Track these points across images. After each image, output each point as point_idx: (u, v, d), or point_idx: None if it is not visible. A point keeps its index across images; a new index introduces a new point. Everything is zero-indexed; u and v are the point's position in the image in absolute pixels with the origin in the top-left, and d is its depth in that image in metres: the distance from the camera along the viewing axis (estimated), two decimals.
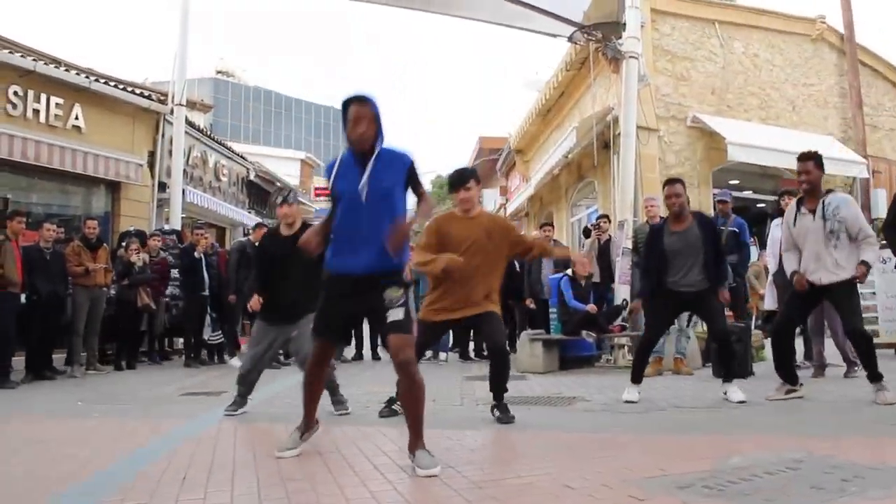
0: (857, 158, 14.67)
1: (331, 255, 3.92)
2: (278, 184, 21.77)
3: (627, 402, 5.98)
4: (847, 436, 4.33)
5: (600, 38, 11.18)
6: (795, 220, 5.89)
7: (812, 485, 3.11)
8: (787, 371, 6.04)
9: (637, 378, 6.18)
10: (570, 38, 11.75)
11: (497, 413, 5.25)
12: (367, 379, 8.48)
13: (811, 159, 5.77)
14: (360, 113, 3.79)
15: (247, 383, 5.93)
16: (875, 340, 9.19)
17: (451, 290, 5.22)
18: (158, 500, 3.24)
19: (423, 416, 3.77)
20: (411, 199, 4.01)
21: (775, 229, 8.18)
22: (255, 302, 6.08)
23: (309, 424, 4.22)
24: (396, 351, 3.72)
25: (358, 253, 3.78)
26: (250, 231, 12.96)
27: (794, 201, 6.07)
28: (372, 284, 3.77)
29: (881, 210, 14.10)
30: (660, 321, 6.34)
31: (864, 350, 5.77)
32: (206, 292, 10.91)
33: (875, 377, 5.64)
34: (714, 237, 6.32)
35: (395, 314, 3.75)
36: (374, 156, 3.79)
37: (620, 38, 10.88)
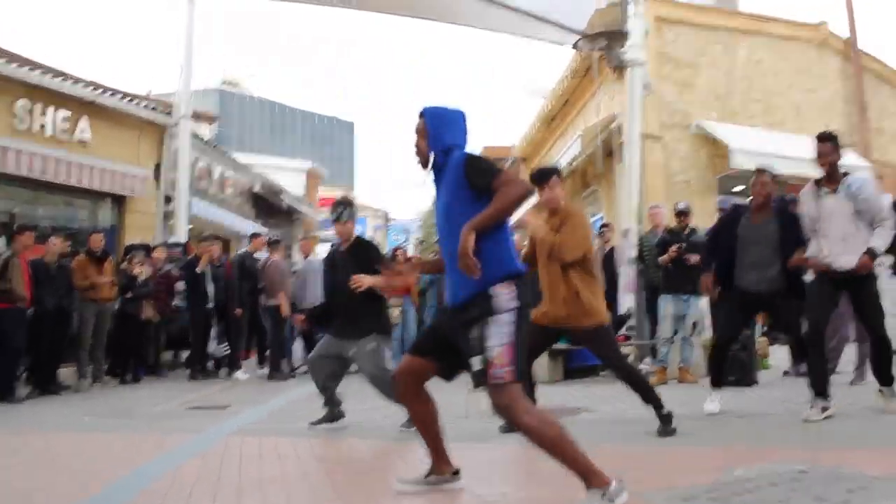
0: (862, 163, 14.63)
1: None
2: (279, 190, 21.85)
3: (710, 413, 5.79)
4: (853, 446, 4.32)
5: (604, 47, 11.17)
6: (818, 200, 5.50)
7: (816, 495, 3.11)
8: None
9: (716, 383, 5.97)
10: (575, 47, 11.77)
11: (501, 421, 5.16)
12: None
13: (829, 140, 5.49)
14: (416, 126, 3.55)
15: (319, 390, 5.88)
16: None
17: (548, 293, 5.07)
18: None
19: (571, 459, 3.12)
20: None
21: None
22: (297, 319, 6.09)
23: (438, 466, 3.64)
24: (491, 402, 3.22)
25: (448, 285, 3.41)
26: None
27: (810, 183, 5.65)
28: (460, 316, 3.24)
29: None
30: (732, 317, 6.03)
31: (886, 357, 5.49)
32: (212, 304, 10.92)
33: (887, 381, 5.47)
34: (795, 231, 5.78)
35: (475, 363, 3.16)
36: (442, 167, 3.44)
37: (624, 46, 10.89)
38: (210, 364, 11.25)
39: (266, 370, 10.66)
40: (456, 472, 3.62)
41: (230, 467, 4.34)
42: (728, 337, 6.06)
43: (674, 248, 8.13)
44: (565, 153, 14.72)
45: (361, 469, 4.11)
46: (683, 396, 6.82)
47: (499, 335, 3.11)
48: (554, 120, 18.53)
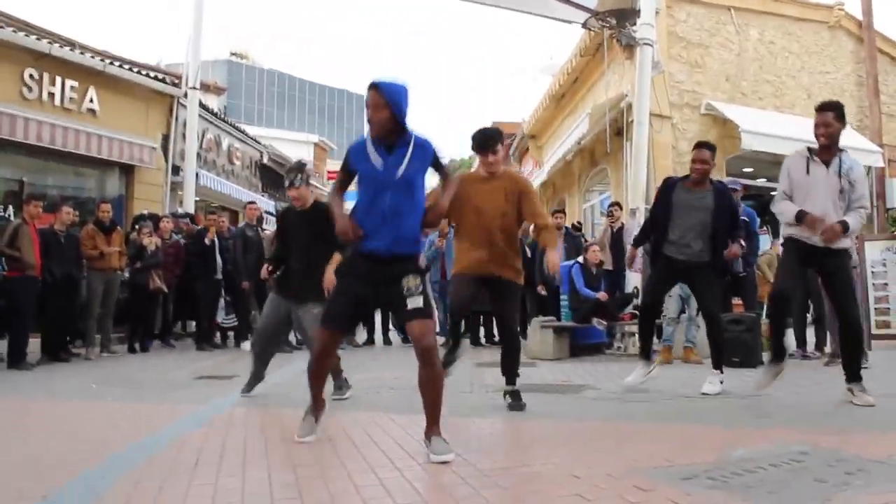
0: (873, 147, 14.56)
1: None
2: (289, 163, 21.85)
3: (627, 385, 6.05)
4: (854, 429, 4.33)
5: (614, 25, 11.12)
6: (808, 167, 5.27)
7: (816, 478, 3.13)
8: (648, 351, 6.14)
9: (645, 354, 6.17)
10: (585, 25, 11.70)
11: (509, 399, 5.28)
12: (378, 364, 8.55)
13: (832, 110, 5.22)
14: (370, 100, 3.82)
15: (260, 361, 6.03)
16: (889, 331, 9.29)
17: (477, 243, 5.20)
18: (171, 484, 3.30)
19: (440, 403, 3.80)
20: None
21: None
22: (264, 271, 6.22)
23: (318, 407, 4.29)
24: (419, 337, 3.74)
25: (381, 235, 3.84)
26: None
27: (802, 147, 5.46)
28: (390, 267, 3.83)
29: None
30: (654, 286, 6.22)
31: (855, 344, 5.35)
32: (220, 276, 10.98)
33: (856, 377, 5.25)
34: (728, 211, 5.97)
35: (415, 301, 3.79)
36: (409, 142, 3.86)
37: (635, 24, 10.83)
38: (217, 335, 11.34)
39: None
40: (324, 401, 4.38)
41: (236, 437, 4.39)
42: (650, 302, 6.24)
43: None
44: (574, 131, 14.66)
45: (363, 440, 4.16)
46: (688, 376, 6.86)
47: (428, 287, 3.96)
48: (563, 98, 18.45)
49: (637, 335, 6.53)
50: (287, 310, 5.90)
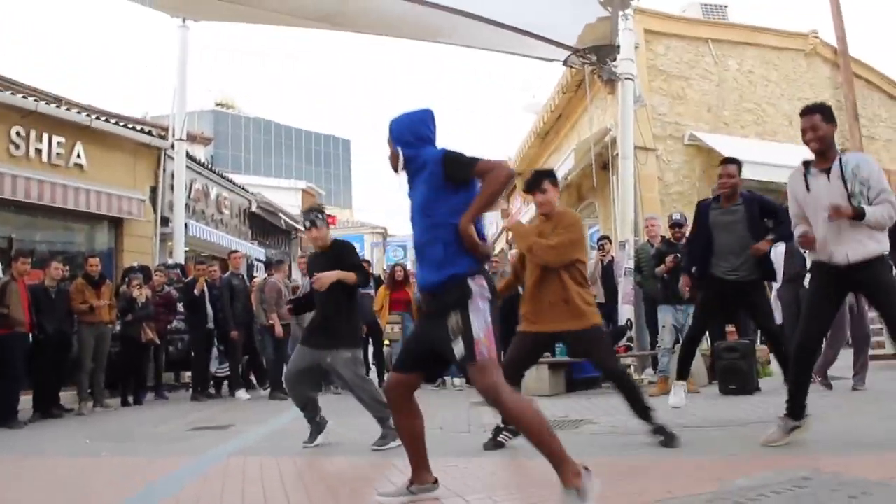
0: None
1: None
2: (278, 210, 21.91)
3: (674, 407, 5.98)
4: (856, 452, 4.29)
5: (595, 61, 11.26)
6: (807, 184, 4.61)
7: (819, 503, 3.12)
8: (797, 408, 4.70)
9: (682, 375, 6.16)
10: (566, 62, 11.85)
11: (508, 435, 5.14)
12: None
13: (818, 111, 4.52)
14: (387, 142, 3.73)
15: (299, 405, 5.88)
16: (883, 351, 9.24)
17: (533, 295, 5.09)
18: None
19: (546, 443, 3.27)
20: None
21: (779, 245, 7.72)
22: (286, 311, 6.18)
23: (417, 475, 3.70)
24: (474, 384, 3.36)
25: (419, 269, 3.69)
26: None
27: (799, 165, 4.78)
28: (435, 301, 3.49)
29: None
30: (705, 311, 6.12)
31: None
32: (211, 325, 10.94)
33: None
34: (757, 219, 5.85)
35: (458, 347, 3.32)
36: (407, 170, 3.64)
37: (615, 60, 10.97)
38: (211, 385, 11.26)
39: (267, 390, 10.66)
40: (435, 481, 3.71)
41: (233, 488, 4.34)
42: (699, 329, 6.20)
43: (670, 258, 8.13)
44: (560, 167, 14.77)
45: (363, 487, 4.12)
46: (685, 406, 6.83)
47: (479, 318, 3.33)
48: (548, 135, 18.62)
49: (678, 360, 6.40)
50: (313, 358, 5.72)
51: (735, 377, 7.69)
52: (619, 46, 10.88)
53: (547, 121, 17.88)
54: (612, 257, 10.65)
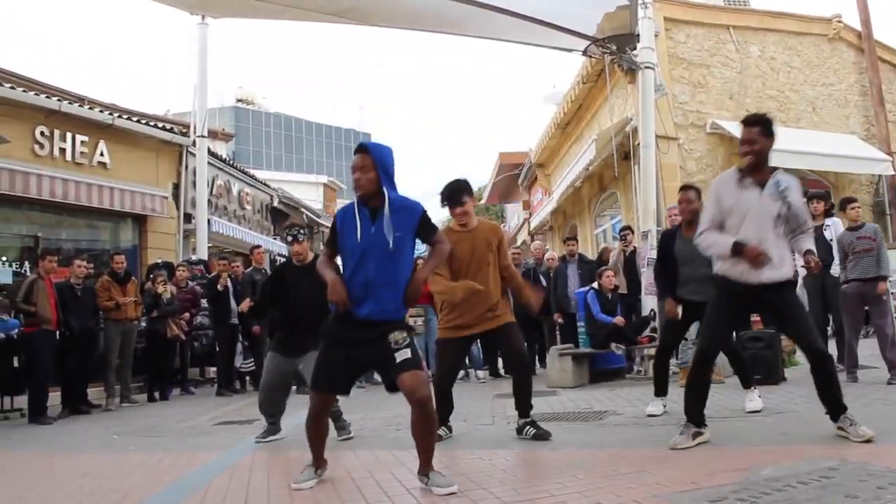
0: (882, 156, 14.53)
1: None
2: (297, 204, 22.00)
3: (651, 415, 5.93)
4: (883, 442, 4.22)
5: (615, 51, 11.16)
6: (739, 190, 4.57)
7: (847, 493, 3.08)
8: (696, 414, 4.75)
9: (660, 390, 6.09)
10: (585, 52, 11.75)
11: (532, 430, 5.23)
12: (396, 401, 8.50)
13: (758, 124, 4.50)
14: (357, 162, 3.88)
15: (271, 411, 5.99)
16: None
17: (467, 307, 5.25)
18: None
19: (434, 447, 3.89)
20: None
21: None
22: (244, 304, 6.31)
23: (319, 464, 4.20)
24: (412, 390, 3.72)
25: (365, 303, 3.83)
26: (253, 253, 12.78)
27: (732, 168, 4.79)
28: (375, 331, 3.82)
29: None
30: (672, 328, 6.13)
31: (830, 379, 4.47)
32: (235, 320, 11.01)
33: (840, 408, 4.46)
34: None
35: (403, 354, 3.79)
36: (385, 205, 3.83)
37: (635, 49, 10.87)
38: (236, 381, 11.35)
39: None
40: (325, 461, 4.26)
41: (259, 481, 4.38)
42: (666, 346, 6.23)
43: None
44: (581, 157, 14.72)
45: (389, 480, 4.13)
46: (711, 397, 6.78)
47: (417, 349, 3.92)
48: (569, 125, 18.54)
49: (654, 376, 6.35)
50: (288, 366, 5.86)
51: (760, 367, 7.62)
52: (638, 35, 10.77)
53: (567, 111, 17.81)
54: (635, 247, 10.58)
